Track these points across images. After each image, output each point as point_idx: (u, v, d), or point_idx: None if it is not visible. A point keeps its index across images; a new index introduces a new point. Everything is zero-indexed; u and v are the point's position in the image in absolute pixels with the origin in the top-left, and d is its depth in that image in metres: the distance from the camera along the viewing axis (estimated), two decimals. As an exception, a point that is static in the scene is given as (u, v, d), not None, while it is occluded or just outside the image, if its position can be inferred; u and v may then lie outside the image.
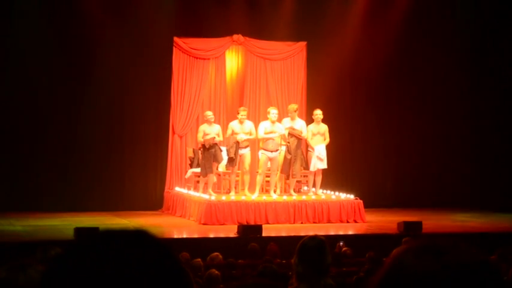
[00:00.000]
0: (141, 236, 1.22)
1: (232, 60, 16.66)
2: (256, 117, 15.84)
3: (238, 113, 14.21)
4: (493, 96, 17.18)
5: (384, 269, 1.25)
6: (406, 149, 17.26)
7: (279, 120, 14.09)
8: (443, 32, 17.19)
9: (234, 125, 14.10)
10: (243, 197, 13.67)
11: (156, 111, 15.83)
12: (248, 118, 14.77)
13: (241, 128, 14.01)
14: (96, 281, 1.14)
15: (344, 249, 10.12)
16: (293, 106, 14.36)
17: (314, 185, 14.41)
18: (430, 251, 1.22)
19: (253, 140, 14.33)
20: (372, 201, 15.04)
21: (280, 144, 13.96)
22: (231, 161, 13.94)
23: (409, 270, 1.20)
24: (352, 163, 16.87)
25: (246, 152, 14.06)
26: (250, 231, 11.64)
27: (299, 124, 14.07)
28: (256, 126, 14.23)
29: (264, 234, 11.61)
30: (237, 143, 13.85)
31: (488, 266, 1.22)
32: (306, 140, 14.40)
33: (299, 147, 14.08)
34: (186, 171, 15.35)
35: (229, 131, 14.01)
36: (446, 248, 1.23)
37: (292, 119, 14.08)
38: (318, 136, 14.20)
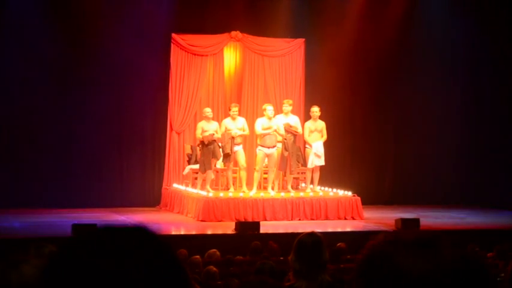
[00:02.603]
0: (140, 232, 1.22)
1: (230, 57, 16.65)
2: (254, 113, 15.83)
3: (229, 110, 14.24)
4: (492, 92, 17.17)
5: (363, 260, 1.23)
6: (404, 145, 17.25)
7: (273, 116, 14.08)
8: (443, 27, 17.17)
9: (226, 122, 14.12)
10: (241, 194, 13.68)
11: (154, 108, 15.81)
12: (246, 115, 14.79)
13: (234, 124, 14.03)
14: (96, 277, 1.14)
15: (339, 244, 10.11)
16: (289, 101, 14.38)
17: (312, 182, 14.43)
18: (423, 247, 1.20)
19: (245, 135, 14.36)
20: (370, 198, 15.05)
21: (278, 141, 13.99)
22: (226, 156, 13.95)
23: (399, 266, 1.18)
24: (350, 160, 16.87)
25: (239, 149, 14.09)
26: (248, 228, 11.65)
27: (293, 120, 14.09)
28: (251, 123, 14.25)
29: (261, 231, 11.62)
30: (232, 138, 13.86)
31: (472, 264, 1.20)
32: (303, 137, 14.43)
33: (295, 143, 14.13)
34: (184, 168, 15.35)
35: (222, 128, 14.03)
36: (437, 244, 1.21)
37: (287, 115, 14.09)
38: (315, 133, 14.22)
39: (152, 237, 1.22)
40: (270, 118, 13.81)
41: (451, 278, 1.17)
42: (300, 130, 14.13)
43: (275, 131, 13.79)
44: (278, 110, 14.60)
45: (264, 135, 13.81)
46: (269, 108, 13.89)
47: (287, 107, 14.13)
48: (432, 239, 1.22)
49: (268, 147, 13.82)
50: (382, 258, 1.20)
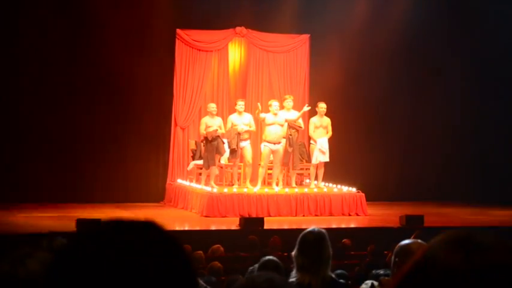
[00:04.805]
0: (148, 227, 1.22)
1: (235, 53, 16.65)
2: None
3: (236, 104, 14.26)
4: (495, 89, 17.14)
5: (415, 258, 1.19)
6: (408, 142, 17.25)
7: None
8: (448, 25, 17.13)
9: (233, 117, 14.13)
10: (245, 190, 13.68)
11: (158, 103, 15.83)
12: (250, 111, 14.78)
13: (241, 119, 14.04)
14: (103, 272, 1.14)
15: (344, 240, 10.11)
16: (291, 97, 14.38)
17: (316, 178, 14.43)
18: (464, 246, 1.16)
19: (252, 131, 14.37)
20: (374, 194, 15.05)
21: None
22: (233, 152, 13.95)
23: (438, 263, 1.15)
24: (354, 156, 16.86)
25: (246, 145, 14.09)
26: (252, 224, 11.66)
27: (295, 115, 14.08)
28: (254, 118, 14.26)
29: (265, 227, 11.62)
30: (238, 134, 13.87)
31: None
32: (308, 133, 14.45)
33: (298, 139, 14.17)
34: (188, 164, 15.36)
35: (228, 124, 14.04)
36: (482, 244, 1.16)
37: (289, 110, 14.10)
38: (320, 129, 14.23)
39: (160, 231, 1.22)
40: (275, 114, 13.81)
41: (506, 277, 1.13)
42: (302, 125, 14.16)
43: (286, 120, 13.81)
44: (282, 106, 14.58)
45: (269, 131, 13.80)
46: (275, 104, 13.89)
47: (289, 102, 14.13)
48: (486, 243, 1.17)
49: (274, 143, 13.83)
50: (433, 261, 1.16)
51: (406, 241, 4.13)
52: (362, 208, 13.87)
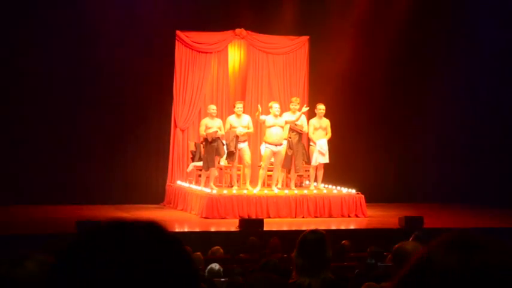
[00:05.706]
0: (150, 227, 1.22)
1: (235, 54, 16.65)
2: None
3: (234, 107, 14.27)
4: (494, 90, 17.15)
5: (413, 259, 1.20)
6: (408, 143, 17.24)
7: (280, 114, 14.08)
8: (446, 27, 17.14)
9: (231, 119, 14.12)
10: (245, 191, 13.68)
11: (158, 105, 15.83)
12: (250, 112, 14.78)
13: (239, 121, 14.03)
14: (105, 273, 1.14)
15: (343, 241, 10.11)
16: (297, 100, 14.41)
17: (316, 179, 14.43)
18: (460, 247, 1.16)
19: (251, 133, 14.37)
20: (374, 195, 15.04)
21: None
22: (230, 155, 13.95)
23: (435, 264, 1.16)
24: (353, 157, 16.85)
25: (244, 146, 14.09)
26: (251, 225, 11.66)
27: (299, 118, 14.07)
28: (255, 120, 14.27)
29: (265, 229, 11.63)
30: (237, 136, 13.86)
31: None
32: (307, 134, 14.44)
33: (300, 141, 14.12)
34: (188, 165, 15.36)
35: (227, 125, 14.03)
36: (479, 245, 1.17)
37: (294, 113, 14.10)
38: (320, 130, 14.22)
39: (162, 232, 1.22)
40: (276, 116, 13.80)
41: (497, 279, 1.13)
42: (305, 129, 14.14)
43: (286, 122, 13.81)
44: (283, 108, 14.59)
45: (270, 133, 13.79)
46: (275, 106, 13.88)
47: (295, 105, 14.13)
48: (477, 239, 1.18)
49: (276, 145, 13.81)
50: (427, 263, 1.17)
51: (404, 243, 4.14)
52: (361, 209, 13.87)
